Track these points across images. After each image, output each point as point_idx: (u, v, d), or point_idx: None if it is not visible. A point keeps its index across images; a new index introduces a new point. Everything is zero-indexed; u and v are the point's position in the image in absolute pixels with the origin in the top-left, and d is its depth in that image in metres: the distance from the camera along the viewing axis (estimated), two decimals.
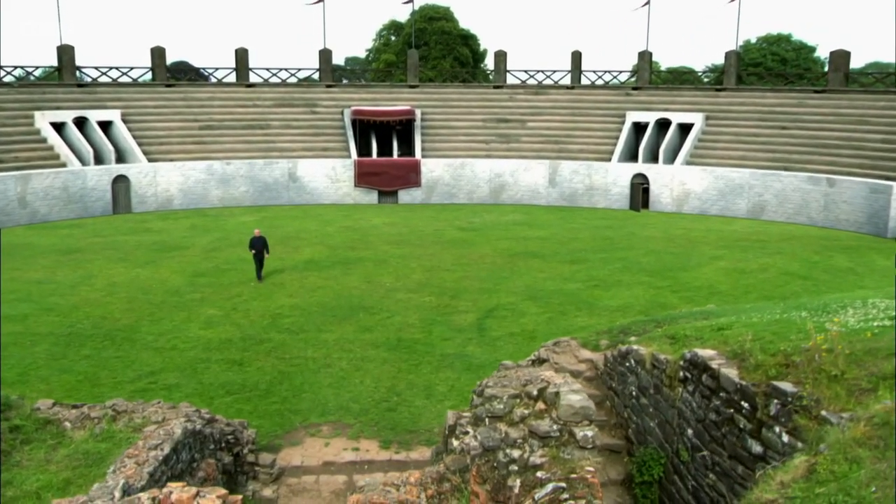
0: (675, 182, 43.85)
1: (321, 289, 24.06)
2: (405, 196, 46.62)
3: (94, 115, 42.61)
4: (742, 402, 6.30)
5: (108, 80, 47.56)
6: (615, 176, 45.30)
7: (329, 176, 45.81)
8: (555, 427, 6.04)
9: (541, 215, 42.34)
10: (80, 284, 24.14)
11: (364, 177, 46.09)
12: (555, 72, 53.80)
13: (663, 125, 46.25)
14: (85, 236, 33.55)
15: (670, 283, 24.91)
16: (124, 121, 43.79)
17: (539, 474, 5.72)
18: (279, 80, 51.66)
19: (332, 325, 20.13)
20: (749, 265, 27.63)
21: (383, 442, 13.27)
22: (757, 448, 6.00)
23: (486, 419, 6.70)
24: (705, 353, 7.08)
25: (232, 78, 50.89)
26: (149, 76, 48.87)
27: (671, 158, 44.69)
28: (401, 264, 27.83)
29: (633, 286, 24.54)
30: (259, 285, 24.32)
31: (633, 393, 9.04)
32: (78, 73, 46.75)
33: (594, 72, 53.35)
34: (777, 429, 5.66)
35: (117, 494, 6.58)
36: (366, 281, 25.16)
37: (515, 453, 6.11)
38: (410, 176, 46.59)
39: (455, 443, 7.31)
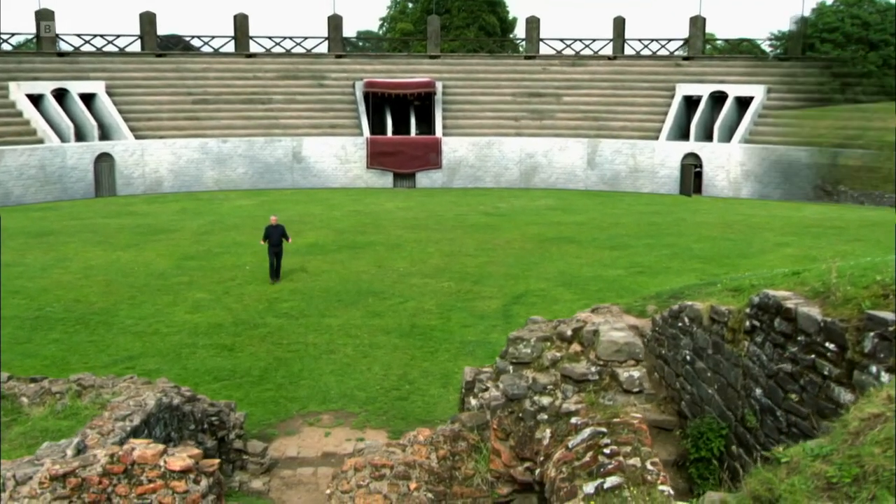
0: (731, 163, 42.97)
1: (325, 273, 23.83)
2: (424, 179, 46.29)
3: (76, 87, 42.90)
4: (826, 344, 5.75)
5: (92, 48, 47.93)
6: (663, 156, 44.54)
7: (338, 156, 45.63)
8: (593, 369, 5.58)
9: (577, 200, 41.82)
10: (53, 267, 24.10)
11: (377, 157, 45.84)
12: (594, 40, 53.21)
13: (718, 99, 45.38)
14: (60, 219, 33.68)
15: (727, 271, 24.16)
16: (109, 93, 44.02)
17: (574, 420, 5.26)
18: (283, 50, 51.71)
19: (336, 311, 19.87)
20: (822, 253, 26.70)
21: (392, 433, 12.85)
22: (846, 396, 5.46)
23: (511, 366, 6.25)
24: (778, 293, 6.55)
25: (230, 47, 51.02)
26: (137, 45, 49.14)
27: (727, 136, 43.80)
28: (416, 249, 27.58)
29: (684, 273, 23.91)
30: (254, 270, 24.06)
31: (687, 357, 8.50)
32: (58, 40, 47.14)
33: (639, 40, 52.66)
34: (874, 368, 5.12)
35: (69, 452, 6.22)
36: (376, 265, 24.92)
37: (545, 400, 5.66)
38: (430, 156, 46.24)
39: (473, 401, 6.88)
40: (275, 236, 22.49)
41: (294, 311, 19.79)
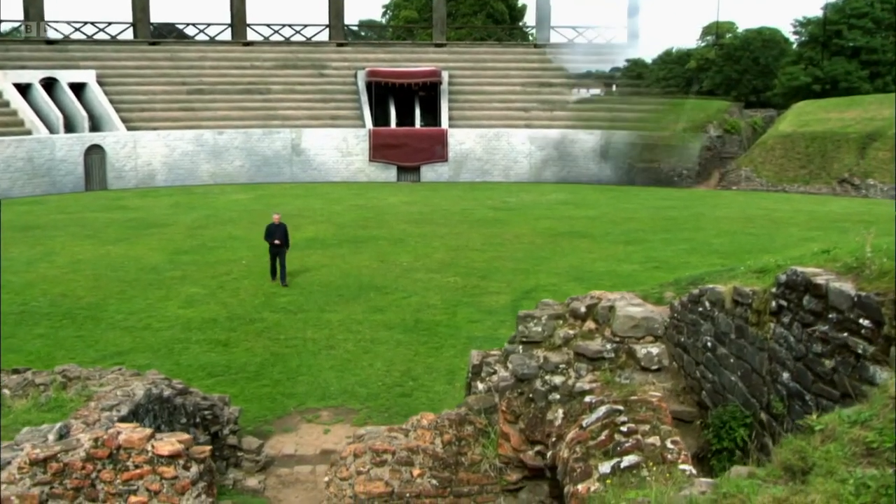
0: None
1: (325, 267, 23.81)
2: (429, 172, 46.19)
3: (65, 76, 42.95)
4: (860, 321, 5.61)
5: (82, 36, 48.02)
6: None
7: (339, 149, 45.56)
8: (608, 346, 5.45)
9: (590, 194, 41.73)
10: (38, 261, 24.12)
11: (381, 150, 45.74)
12: (607, 27, 53.03)
13: None
14: (47, 212, 33.77)
15: (750, 266, 24.10)
16: (100, 83, 44.05)
17: (588, 399, 5.14)
18: (282, 38, 51.69)
19: (336, 305, 19.83)
20: (852, 247, 26.63)
21: None
22: (882, 375, 5.32)
23: (521, 346, 6.14)
24: (807, 269, 6.41)
25: (226, 35, 51.03)
26: (129, 33, 49.21)
27: None
28: (421, 243, 27.59)
29: (703, 268, 23.69)
30: (250, 264, 24.02)
31: (708, 344, 8.37)
32: (47, 28, 47.23)
33: None
34: None
35: (51, 437, 6.13)
36: (378, 260, 24.92)
37: (557, 380, 5.54)
38: (435, 149, 46.13)
39: (480, 386, 6.77)
40: (278, 234, 21.66)
41: (292, 305, 19.74)
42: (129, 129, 43.11)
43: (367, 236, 28.84)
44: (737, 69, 77.20)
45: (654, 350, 5.38)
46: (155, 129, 43.74)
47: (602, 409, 4.91)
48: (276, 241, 21.47)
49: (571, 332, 5.81)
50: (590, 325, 5.76)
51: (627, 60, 64.29)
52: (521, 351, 6.11)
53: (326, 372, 15.32)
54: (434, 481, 6.17)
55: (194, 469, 6.09)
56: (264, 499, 10.96)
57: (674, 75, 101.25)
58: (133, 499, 5.89)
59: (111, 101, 43.70)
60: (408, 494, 6.12)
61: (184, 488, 5.93)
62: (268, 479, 11.51)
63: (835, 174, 43.41)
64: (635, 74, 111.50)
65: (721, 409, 7.82)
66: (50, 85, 42.66)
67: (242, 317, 18.81)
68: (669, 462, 4.43)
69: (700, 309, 8.74)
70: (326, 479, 6.74)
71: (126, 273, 22.87)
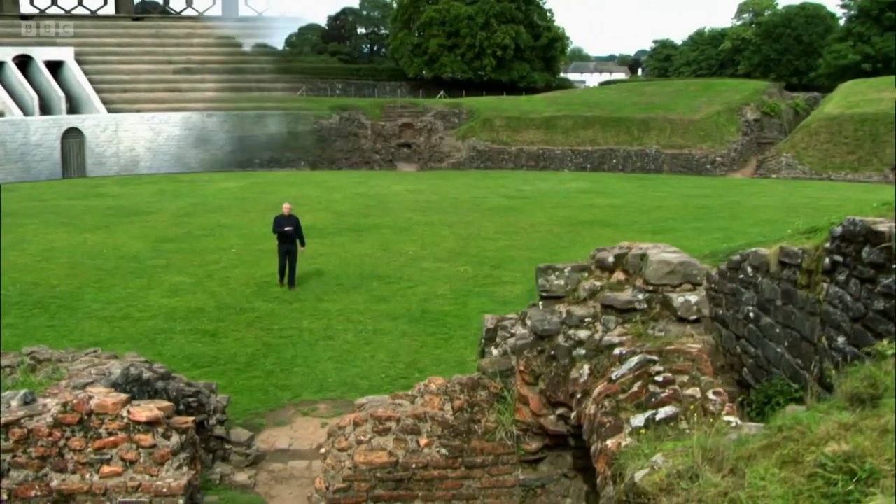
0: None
1: (323, 256, 23.75)
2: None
3: (41, 54, 43.02)
4: None
5: (60, 10, 48.14)
6: None
7: None
8: (640, 296, 5.26)
9: (613, 183, 41.61)
10: (7, 249, 24.04)
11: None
12: None
13: None
14: (18, 200, 33.80)
15: (798, 227, 23.92)
16: (79, 61, 44.10)
17: (618, 351, 4.96)
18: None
19: (335, 295, 19.77)
20: None
21: None
22: None
23: (541, 300, 5.97)
24: (867, 218, 6.22)
25: (216, 10, 51.12)
26: (111, 7, 49.38)
27: None
28: (428, 232, 27.57)
29: None
30: (241, 253, 23.98)
31: (751, 314, 8.21)
32: (21, 1, 47.40)
33: None
34: None
35: (14, 403, 6.00)
36: (381, 249, 24.90)
37: (582, 334, 5.35)
38: None
39: (495, 351, 6.60)
40: (288, 229, 19.92)
41: (286, 294, 19.67)
42: (110, 111, 43.12)
43: (369, 224, 28.82)
44: (776, 48, 76.79)
45: (693, 298, 5.19)
46: (139, 111, 43.73)
47: (634, 360, 4.73)
48: (287, 229, 19.86)
49: (598, 283, 5.63)
50: (619, 275, 5.58)
51: (656, 42, 63.31)
52: (541, 307, 5.94)
53: (324, 363, 15.20)
54: (444, 450, 6.00)
55: (175, 439, 5.96)
56: (255, 495, 10.83)
57: (706, 57, 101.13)
58: (106, 469, 5.76)
59: (91, 81, 43.74)
60: (414, 465, 5.96)
61: (163, 458, 5.80)
62: (259, 475, 11.37)
63: (887, 160, 43.00)
64: (664, 56, 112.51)
65: (765, 384, 7.66)
66: (24, 63, 42.72)
67: (232, 306, 18.72)
68: (712, 414, 4.25)
69: (741, 276, 8.58)
70: (323, 450, 6.58)
71: (104, 261, 22.84)
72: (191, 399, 11.30)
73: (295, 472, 11.61)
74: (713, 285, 9.17)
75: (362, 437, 6.05)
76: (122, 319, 17.78)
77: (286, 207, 20.58)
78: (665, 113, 56.14)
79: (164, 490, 5.70)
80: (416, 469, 5.98)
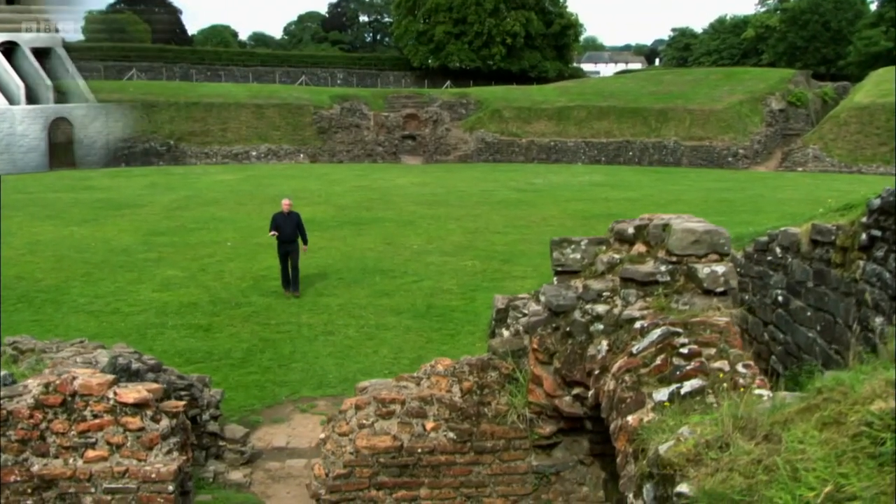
0: None
1: (323, 250, 23.73)
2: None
3: (27, 41, 43.05)
4: None
5: None
6: None
7: None
8: (662, 268, 5.15)
9: (629, 175, 41.51)
10: None
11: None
12: None
13: None
14: (3, 193, 33.84)
15: (831, 205, 23.82)
16: (67, 49, 44.21)
17: (639, 324, 4.85)
18: None
19: (336, 289, 19.78)
20: None
21: None
22: None
23: (556, 275, 5.87)
24: None
25: None
26: None
27: None
28: (434, 225, 27.56)
29: None
30: (236, 246, 23.96)
31: (779, 298, 8.11)
32: None
33: None
34: None
35: None
36: (385, 242, 24.90)
37: (600, 308, 5.25)
38: None
39: (506, 333, 6.51)
40: (287, 229, 18.92)
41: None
42: (100, 100, 43.16)
43: (372, 218, 28.83)
44: (803, 36, 76.48)
45: (720, 269, 5.08)
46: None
47: (656, 333, 4.63)
48: (287, 239, 18.85)
49: (617, 256, 5.53)
50: (639, 247, 5.48)
51: (675, 30, 63.46)
52: (555, 282, 5.85)
53: (324, 359, 15.16)
54: (451, 434, 5.91)
55: (165, 422, 5.88)
56: (250, 494, 10.75)
57: (727, 46, 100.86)
58: (91, 453, 5.68)
59: (80, 69, 43.78)
60: (419, 450, 5.87)
61: (152, 442, 5.72)
62: (255, 474, 11.31)
63: None
64: (683, 46, 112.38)
65: (795, 371, 7.55)
66: (9, 50, 42.78)
67: (227, 301, 18.69)
68: (742, 387, 4.15)
69: (769, 258, 8.48)
70: (323, 435, 6.50)
71: (92, 255, 22.84)
72: (183, 392, 11.23)
73: (293, 470, 11.55)
74: (738, 269, 9.08)
75: (364, 421, 5.96)
76: (111, 314, 17.75)
77: (285, 204, 19.45)
78: (684, 103, 55.98)
79: (153, 476, 5.63)
80: (422, 454, 5.89)
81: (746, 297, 8.94)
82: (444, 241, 25.16)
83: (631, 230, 5.67)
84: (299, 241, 19.14)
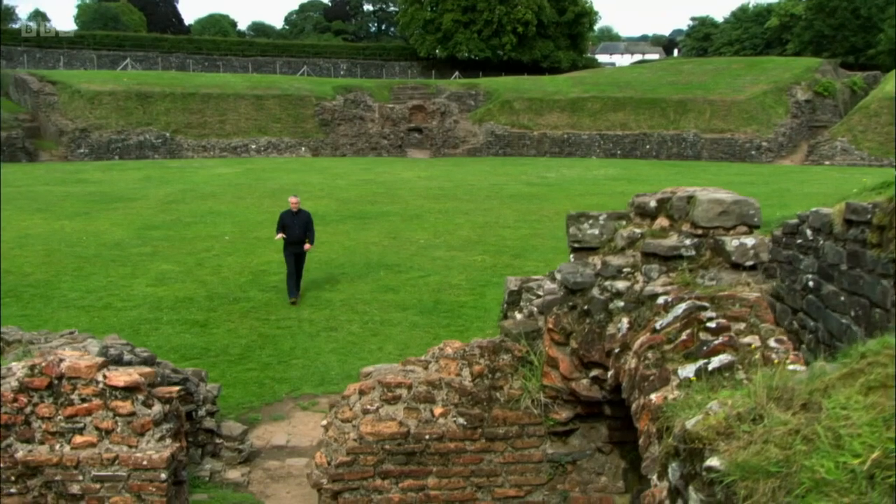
0: None
1: (325, 244, 23.67)
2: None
3: None
4: None
5: None
6: None
7: None
8: (687, 242, 5.04)
9: (646, 170, 41.38)
10: None
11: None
12: None
13: None
14: None
15: (866, 184, 23.69)
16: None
17: (662, 300, 4.74)
18: None
19: (338, 284, 19.77)
20: None
21: None
22: None
23: (572, 252, 5.77)
24: None
25: None
26: None
27: None
28: (441, 219, 27.53)
29: None
30: (234, 240, 23.95)
31: (810, 284, 7.99)
32: None
33: None
34: None
35: None
36: (390, 237, 24.87)
37: (620, 285, 5.14)
38: None
39: (519, 316, 6.41)
40: (296, 229, 18.16)
41: (284, 284, 19.53)
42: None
43: (376, 212, 28.80)
44: (830, 24, 76.13)
45: (749, 241, 4.96)
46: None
47: (682, 307, 4.52)
48: (295, 240, 18.09)
49: (638, 231, 5.42)
50: (662, 222, 5.37)
51: (695, 19, 64.07)
52: (571, 259, 5.75)
53: (326, 355, 15.10)
54: (461, 420, 5.80)
55: (157, 408, 5.81)
56: (248, 493, 10.69)
57: (750, 36, 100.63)
58: (78, 439, 5.61)
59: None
60: (427, 437, 5.77)
61: (143, 427, 5.64)
62: (253, 473, 11.25)
63: None
64: (702, 36, 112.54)
65: (829, 359, 7.43)
66: None
67: (224, 296, 18.66)
68: (775, 363, 4.04)
69: (799, 241, 8.36)
70: (325, 422, 6.41)
71: (83, 249, 22.83)
72: (177, 386, 11.17)
73: (293, 470, 11.49)
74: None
75: (369, 406, 5.87)
76: (103, 309, 17.72)
77: (293, 202, 18.35)
78: (704, 94, 55.81)
79: (145, 463, 5.55)
80: (430, 441, 5.79)
81: (774, 284, 8.83)
82: (452, 235, 25.12)
83: (653, 203, 5.57)
84: (305, 241, 18.43)
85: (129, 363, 10.05)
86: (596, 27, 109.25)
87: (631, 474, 5.86)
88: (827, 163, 46.51)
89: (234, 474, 11.18)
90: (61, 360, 5.75)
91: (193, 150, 49.54)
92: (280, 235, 18.17)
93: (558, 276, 5.68)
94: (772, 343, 4.25)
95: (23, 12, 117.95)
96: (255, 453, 11.68)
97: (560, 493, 5.91)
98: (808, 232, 8.03)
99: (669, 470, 3.73)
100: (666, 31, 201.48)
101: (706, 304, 4.56)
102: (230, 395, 13.17)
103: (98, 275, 20.26)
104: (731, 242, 5.02)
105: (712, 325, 4.36)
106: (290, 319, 17.09)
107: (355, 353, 15.23)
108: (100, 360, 5.86)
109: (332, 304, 18.05)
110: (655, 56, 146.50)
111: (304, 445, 12.04)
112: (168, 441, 5.72)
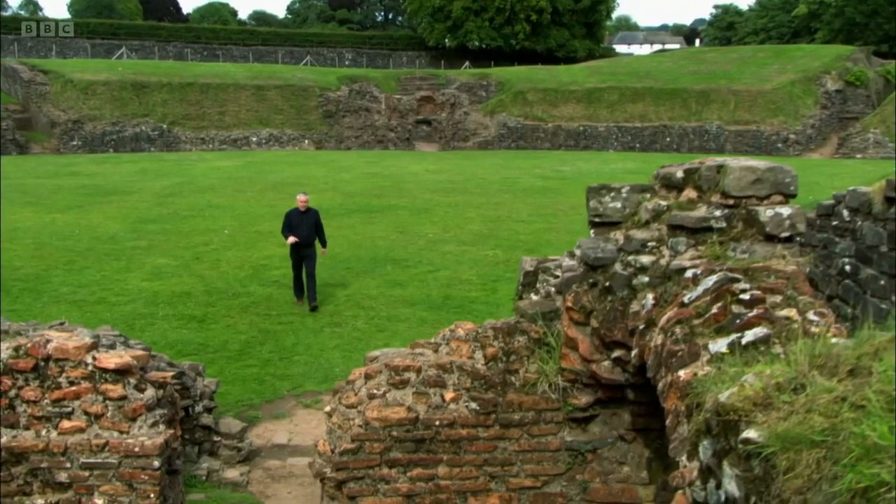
0: None
1: (330, 238, 23.41)
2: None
3: None
4: None
5: None
6: None
7: None
8: (717, 213, 4.92)
9: (666, 163, 41.24)
10: None
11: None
12: None
13: None
14: None
15: None
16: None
17: (690, 273, 4.62)
18: None
19: (343, 279, 19.90)
20: None
21: None
22: None
23: (592, 227, 5.66)
24: None
25: None
26: None
27: None
28: (451, 213, 27.52)
29: None
30: (234, 234, 23.94)
31: (846, 268, 7.87)
32: None
33: None
34: None
35: None
36: (397, 231, 24.87)
37: (645, 260, 5.02)
38: None
39: (535, 298, 6.31)
40: (304, 230, 17.42)
41: (286, 278, 19.52)
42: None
43: (383, 206, 28.81)
44: (862, 11, 75.71)
45: (785, 211, 4.85)
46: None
47: (712, 279, 4.40)
48: (303, 242, 17.38)
49: (664, 203, 5.30)
50: (689, 193, 5.26)
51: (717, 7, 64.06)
52: (592, 234, 5.64)
53: (330, 351, 15.08)
54: (474, 405, 5.69)
55: (150, 392, 5.72)
56: (248, 493, 10.62)
57: (776, 24, 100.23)
58: (66, 424, 5.52)
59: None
60: (437, 423, 5.66)
61: (135, 412, 5.56)
62: (253, 472, 11.19)
63: None
64: (726, 25, 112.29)
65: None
66: None
67: (223, 290, 18.66)
68: (815, 337, 3.92)
69: (835, 223, 8.24)
70: (328, 408, 6.31)
71: (76, 242, 22.88)
72: (173, 381, 11.10)
73: (295, 469, 11.43)
74: (798, 239, 8.85)
75: (375, 391, 5.76)
76: (96, 304, 17.72)
77: (301, 200, 17.60)
78: (728, 83, 55.58)
79: (136, 450, 5.46)
80: (441, 427, 5.67)
81: (808, 270, 8.73)
82: (463, 229, 25.10)
83: (680, 174, 5.45)
84: (317, 243, 17.84)
85: None
86: (613, 16, 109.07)
87: (655, 464, 5.74)
88: (858, 156, 46.25)
89: (232, 473, 11.12)
90: (48, 341, 5.67)
91: (192, 143, 49.60)
92: (292, 239, 17.21)
93: (578, 252, 5.58)
94: (811, 316, 4.13)
95: (13, 0, 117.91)
96: (254, 452, 11.63)
97: (579, 484, 5.79)
98: (845, 213, 7.92)
99: (700, 448, 3.62)
100: (687, 21, 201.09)
101: (739, 276, 4.44)
102: (229, 392, 13.13)
103: (91, 269, 20.28)
104: (766, 212, 4.90)
105: (746, 297, 4.24)
106: (292, 315, 17.07)
107: (360, 349, 15.16)
108: (89, 341, 5.80)
109: (337, 300, 18.06)
110: (676, 46, 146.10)
111: (307, 444, 11.96)
112: (161, 427, 5.64)
